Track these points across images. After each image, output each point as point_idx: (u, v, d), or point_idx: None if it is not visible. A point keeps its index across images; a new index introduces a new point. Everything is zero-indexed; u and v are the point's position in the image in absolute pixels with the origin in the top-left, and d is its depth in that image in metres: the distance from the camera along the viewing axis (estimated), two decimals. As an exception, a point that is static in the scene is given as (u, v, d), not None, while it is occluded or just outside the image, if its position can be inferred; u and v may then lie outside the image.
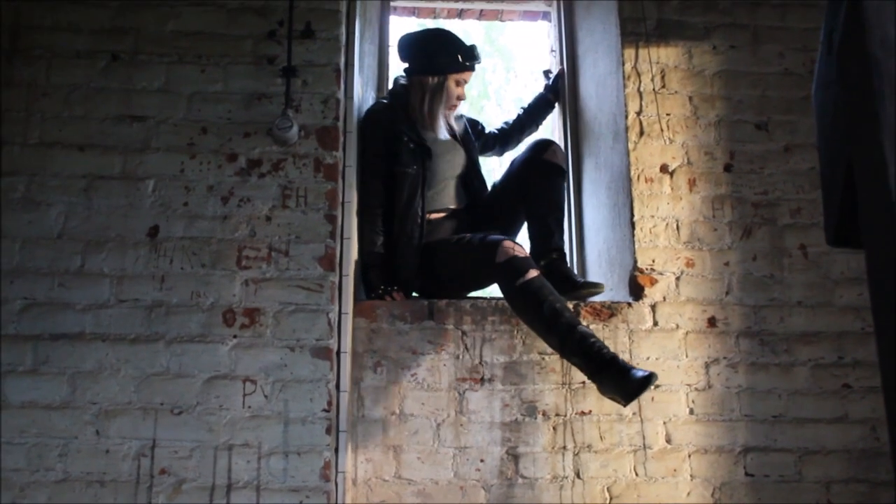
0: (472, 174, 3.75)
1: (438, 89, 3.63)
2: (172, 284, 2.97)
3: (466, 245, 3.29)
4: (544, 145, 3.62)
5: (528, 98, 4.21)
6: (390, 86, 3.85)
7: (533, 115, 4.10)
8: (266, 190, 3.07)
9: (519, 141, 4.07)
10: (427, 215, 3.52)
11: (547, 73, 4.23)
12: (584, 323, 3.25)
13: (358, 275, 3.34)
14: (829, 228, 1.32)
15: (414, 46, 3.71)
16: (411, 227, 3.45)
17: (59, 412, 2.83)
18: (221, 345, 2.92)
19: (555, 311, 2.98)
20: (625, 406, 2.89)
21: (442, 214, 3.60)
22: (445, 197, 3.63)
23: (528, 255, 3.15)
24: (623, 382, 2.79)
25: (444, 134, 3.65)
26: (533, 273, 3.07)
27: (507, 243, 3.14)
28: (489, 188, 3.79)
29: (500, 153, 4.10)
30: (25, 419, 2.81)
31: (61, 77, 3.15)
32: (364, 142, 3.53)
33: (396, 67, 3.87)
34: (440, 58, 3.64)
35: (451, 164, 3.67)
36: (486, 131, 4.04)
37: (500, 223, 3.63)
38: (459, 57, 3.64)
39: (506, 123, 4.09)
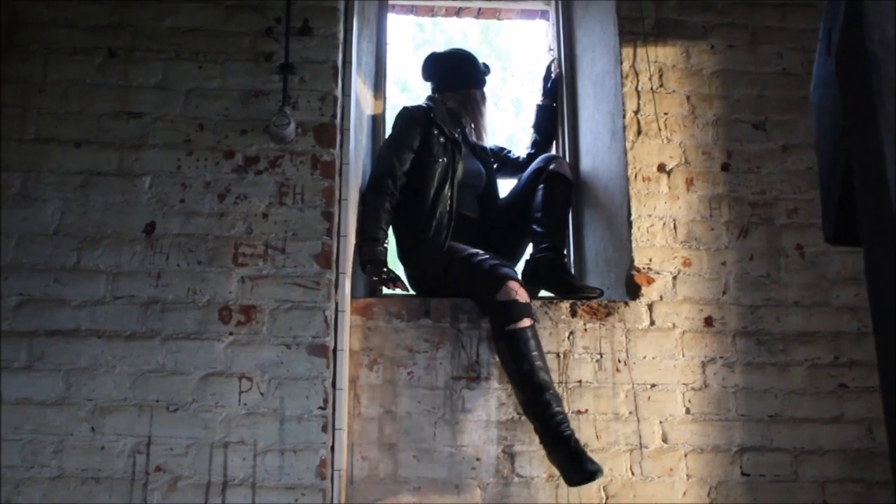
0: (488, 189, 3.87)
1: (483, 99, 3.95)
2: (168, 281, 2.96)
3: (476, 265, 3.29)
4: (550, 158, 3.77)
5: (530, 114, 4.24)
6: (389, 84, 4.03)
7: (544, 129, 4.15)
8: (263, 187, 3.07)
9: None
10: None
11: (549, 68, 4.22)
12: (581, 322, 3.26)
13: (356, 273, 3.33)
14: (828, 226, 1.32)
15: (454, 67, 3.96)
16: (440, 217, 3.47)
17: (55, 409, 2.82)
18: (217, 342, 2.91)
19: (532, 369, 3.02)
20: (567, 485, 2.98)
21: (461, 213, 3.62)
22: (462, 202, 3.66)
23: (528, 300, 3.15)
24: (572, 468, 2.89)
25: (487, 141, 3.95)
26: (526, 322, 3.08)
27: (513, 284, 3.14)
28: (501, 200, 3.91)
29: None
30: (20, 416, 2.80)
31: (58, 73, 3.14)
32: (396, 133, 3.63)
33: (394, 65, 3.94)
34: (479, 74, 3.95)
35: (472, 174, 3.76)
36: (512, 156, 4.13)
37: (507, 236, 3.72)
38: (485, 72, 3.97)
39: (527, 147, 4.14)
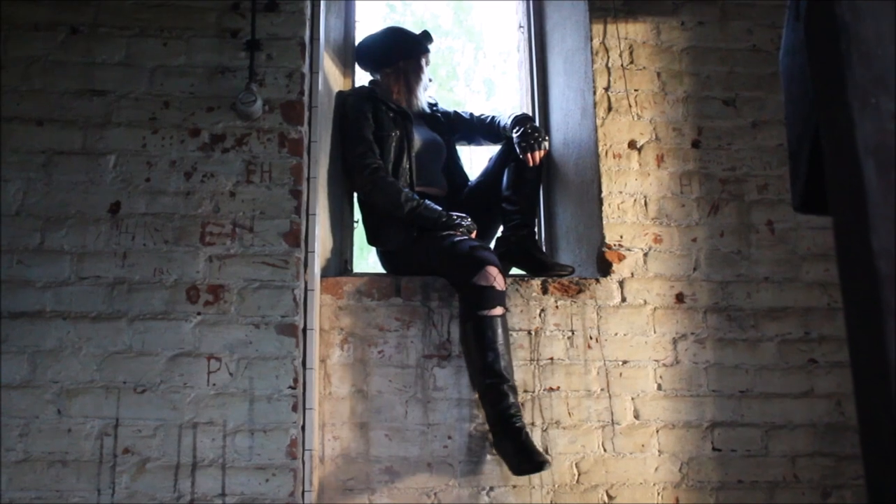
0: (451, 164, 3.80)
1: (415, 68, 3.76)
2: (135, 261, 2.92)
3: (454, 246, 3.23)
4: None
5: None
6: (356, 61, 3.93)
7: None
8: (230, 165, 3.03)
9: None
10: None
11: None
12: (553, 299, 3.25)
13: (330, 250, 3.30)
14: (796, 194, 1.30)
15: (381, 44, 3.83)
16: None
17: (20, 391, 2.78)
18: (185, 322, 2.88)
19: (497, 357, 3.01)
20: (513, 474, 2.98)
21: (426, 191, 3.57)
22: (427, 177, 3.62)
23: (505, 288, 3.12)
24: (519, 458, 2.90)
25: (422, 105, 3.78)
26: (498, 311, 3.06)
27: (492, 270, 3.10)
28: (471, 182, 3.82)
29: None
30: (-16, 399, 2.76)
31: (19, 50, 3.08)
32: (347, 119, 3.56)
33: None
34: (408, 44, 3.80)
35: (430, 144, 3.70)
36: (467, 115, 3.94)
37: (479, 216, 3.61)
38: (421, 41, 3.82)
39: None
